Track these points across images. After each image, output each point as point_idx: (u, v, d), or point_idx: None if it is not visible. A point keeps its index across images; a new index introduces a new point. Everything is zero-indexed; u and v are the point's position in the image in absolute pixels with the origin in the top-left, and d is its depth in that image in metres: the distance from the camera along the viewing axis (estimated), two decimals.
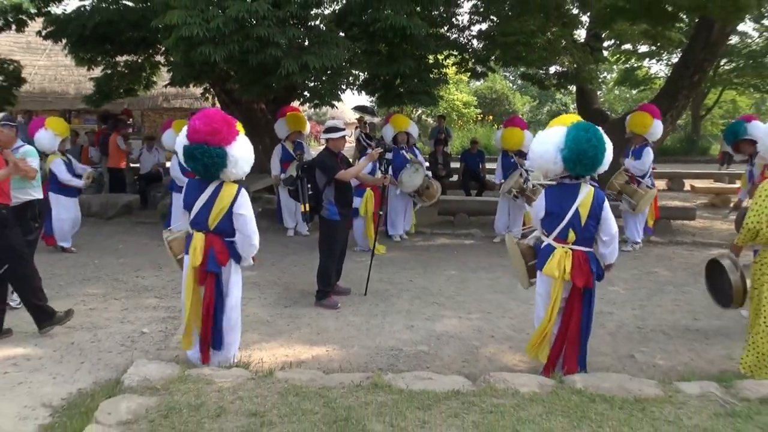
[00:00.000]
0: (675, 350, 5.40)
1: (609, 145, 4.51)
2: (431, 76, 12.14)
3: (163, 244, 5.12)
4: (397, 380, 4.19)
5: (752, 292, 4.72)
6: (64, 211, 8.39)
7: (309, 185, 6.30)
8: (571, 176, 4.53)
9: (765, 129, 5.38)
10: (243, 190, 4.63)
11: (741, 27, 21.37)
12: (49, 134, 8.14)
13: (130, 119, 16.34)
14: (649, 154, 9.02)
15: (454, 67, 15.23)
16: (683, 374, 4.75)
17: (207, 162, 4.41)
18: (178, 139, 4.73)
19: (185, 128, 4.63)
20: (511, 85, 42.90)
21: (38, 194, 6.06)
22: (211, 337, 4.69)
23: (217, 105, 13.60)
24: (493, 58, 13.78)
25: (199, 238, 4.57)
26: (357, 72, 11.69)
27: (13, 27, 13.34)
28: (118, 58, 13.50)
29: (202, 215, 4.58)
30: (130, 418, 3.63)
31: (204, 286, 4.63)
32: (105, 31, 11.33)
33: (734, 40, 22.73)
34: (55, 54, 18.57)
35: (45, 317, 5.34)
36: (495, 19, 13.48)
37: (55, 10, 13.15)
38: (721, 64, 24.10)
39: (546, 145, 4.52)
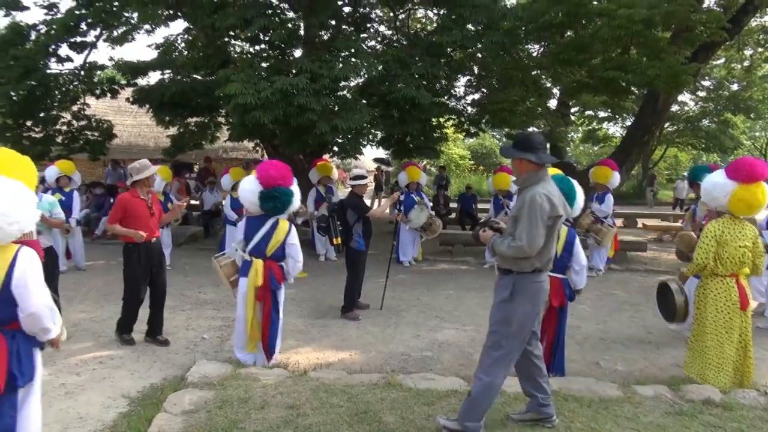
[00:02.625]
0: (632, 358, 5.29)
1: (580, 194, 4.45)
2: (434, 135, 12.31)
3: (214, 267, 5.08)
4: (406, 380, 4.15)
5: (696, 312, 4.49)
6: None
7: (339, 222, 6.30)
8: None
9: (705, 180, 4.72)
10: (293, 226, 4.76)
11: (681, 98, 21.36)
12: (157, 179, 8.24)
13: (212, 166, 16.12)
14: (610, 199, 8.99)
15: (452, 128, 15.28)
16: (639, 379, 4.64)
17: (284, 200, 4.58)
18: (241, 185, 4.77)
19: (248, 177, 4.74)
20: (497, 141, 42.82)
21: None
22: (268, 345, 4.65)
23: (266, 156, 13.73)
24: (483, 121, 13.84)
25: (259, 264, 4.58)
26: (375, 131, 11.79)
27: (108, 94, 13.74)
28: (189, 119, 13.75)
29: (261, 246, 4.61)
30: (192, 408, 3.61)
31: (263, 302, 4.62)
32: (179, 99, 11.58)
33: (675, 108, 22.73)
34: (140, 115, 18.79)
35: (124, 330, 5.35)
36: (485, 90, 13.63)
37: (141, 81, 13.51)
38: (665, 126, 24.07)
39: None
